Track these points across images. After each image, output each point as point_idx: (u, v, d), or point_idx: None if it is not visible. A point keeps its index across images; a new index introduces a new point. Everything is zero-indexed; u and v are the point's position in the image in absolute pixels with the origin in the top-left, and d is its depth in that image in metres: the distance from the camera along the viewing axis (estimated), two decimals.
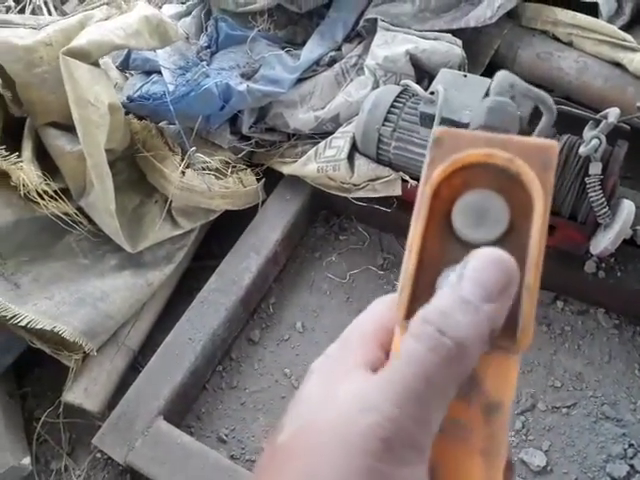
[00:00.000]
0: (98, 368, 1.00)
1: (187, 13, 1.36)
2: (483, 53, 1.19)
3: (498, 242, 0.24)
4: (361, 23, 1.22)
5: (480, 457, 0.23)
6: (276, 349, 1.06)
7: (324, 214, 1.23)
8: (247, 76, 1.19)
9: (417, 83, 1.10)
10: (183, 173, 1.07)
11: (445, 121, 0.91)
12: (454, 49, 1.10)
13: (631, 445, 0.84)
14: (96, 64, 1.02)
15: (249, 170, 1.17)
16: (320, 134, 1.17)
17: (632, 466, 0.82)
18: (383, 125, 1.00)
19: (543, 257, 0.24)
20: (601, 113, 0.88)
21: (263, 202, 1.16)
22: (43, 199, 1.01)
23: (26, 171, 0.97)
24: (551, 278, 1.01)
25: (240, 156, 1.18)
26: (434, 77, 1.03)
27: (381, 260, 1.13)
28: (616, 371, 0.93)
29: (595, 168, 0.84)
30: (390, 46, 1.12)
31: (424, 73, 1.14)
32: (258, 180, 1.17)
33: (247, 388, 1.02)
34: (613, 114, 0.86)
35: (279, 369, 1.03)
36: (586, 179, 0.84)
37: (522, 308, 0.23)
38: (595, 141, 0.83)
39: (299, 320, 1.08)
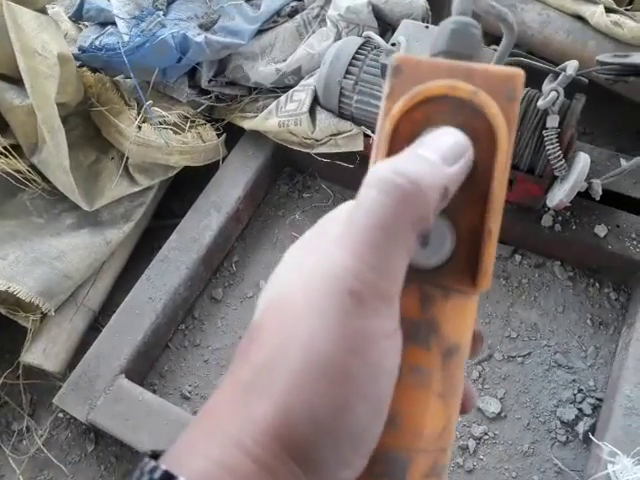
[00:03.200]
0: (57, 328, 0.98)
1: None
2: (447, 5, 1.16)
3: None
4: None
5: (439, 400, 0.23)
6: (239, 307, 1.06)
7: (288, 171, 1.21)
8: (205, 27, 1.15)
9: (381, 35, 1.08)
10: (139, 128, 1.03)
11: None
12: (417, 0, 1.07)
13: (580, 390, 0.88)
14: (43, 11, 0.97)
15: (209, 125, 1.13)
16: (282, 88, 1.14)
17: (580, 409, 0.86)
18: (344, 78, 0.98)
19: (504, 199, 0.23)
20: (560, 66, 0.88)
21: (224, 158, 1.13)
22: None
23: None
24: (509, 232, 1.02)
25: (199, 110, 1.14)
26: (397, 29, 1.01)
27: None
28: (569, 321, 0.96)
29: (552, 121, 0.84)
30: None
31: (387, 25, 1.12)
32: (219, 135, 1.14)
33: (210, 346, 1.02)
34: (571, 67, 0.86)
35: (242, 327, 1.03)
36: (543, 132, 0.85)
37: (483, 249, 0.23)
38: (553, 94, 0.83)
39: (262, 278, 1.08)
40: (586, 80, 0.91)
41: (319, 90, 1.02)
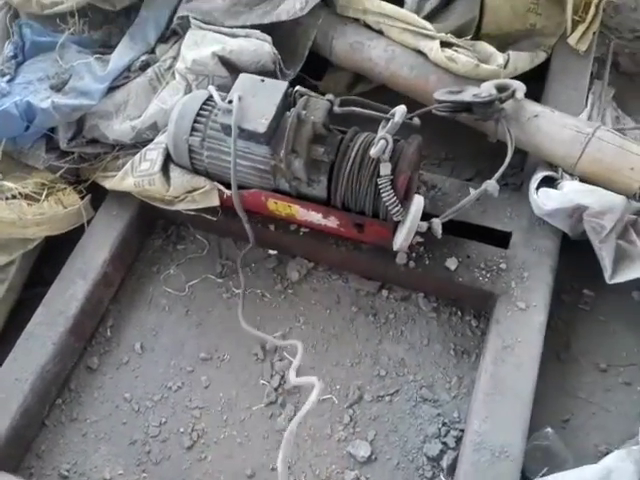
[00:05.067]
0: None
1: None
2: (301, 44, 1.17)
3: None
4: (175, 21, 1.16)
5: None
6: (115, 374, 1.04)
7: (161, 224, 1.20)
8: (57, 88, 1.11)
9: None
10: None
11: (242, 130, 0.90)
12: (263, 46, 1.07)
13: (444, 424, 0.91)
14: None
15: (70, 189, 1.11)
16: (143, 143, 1.12)
17: (445, 443, 0.89)
18: (191, 135, 0.97)
19: None
20: (391, 111, 0.90)
21: (90, 221, 1.11)
22: None
23: None
24: (374, 269, 1.04)
25: (59, 174, 1.11)
26: None
27: (220, 267, 1.13)
28: (434, 353, 0.98)
29: (385, 169, 0.86)
30: (199, 47, 1.08)
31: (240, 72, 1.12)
32: (82, 197, 1.11)
33: (88, 418, 1.00)
34: (399, 113, 0.88)
35: (119, 394, 1.01)
36: (377, 180, 0.86)
37: None
38: (382, 142, 0.85)
39: (138, 341, 1.06)
40: (418, 123, 0.94)
41: (170, 148, 1.01)
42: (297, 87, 0.93)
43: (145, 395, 1.01)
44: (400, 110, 0.88)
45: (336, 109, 0.91)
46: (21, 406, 0.95)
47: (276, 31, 1.14)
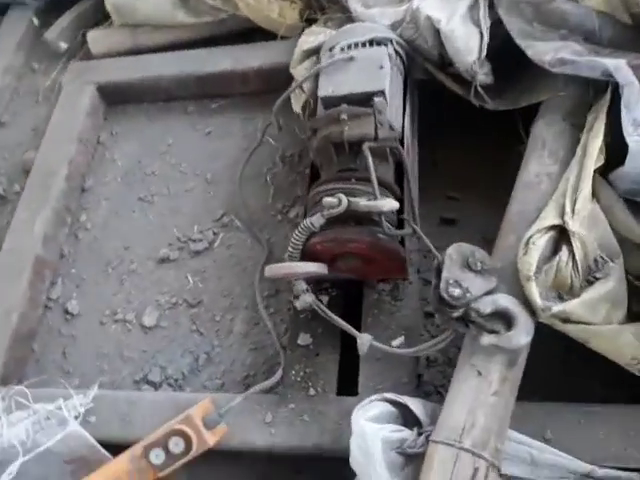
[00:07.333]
0: None
1: None
2: (526, 95, 0.97)
3: None
4: None
5: None
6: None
7: None
8: None
9: None
10: None
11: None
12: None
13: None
14: None
15: (300, 8, 1.24)
16: None
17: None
18: None
19: None
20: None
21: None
22: None
23: None
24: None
25: None
26: None
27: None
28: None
29: (316, 219, 0.81)
30: None
31: None
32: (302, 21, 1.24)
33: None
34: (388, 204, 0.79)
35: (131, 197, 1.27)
36: (301, 221, 0.83)
37: None
38: (334, 200, 0.79)
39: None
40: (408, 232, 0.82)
41: None
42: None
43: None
44: (388, 203, 0.77)
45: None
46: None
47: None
